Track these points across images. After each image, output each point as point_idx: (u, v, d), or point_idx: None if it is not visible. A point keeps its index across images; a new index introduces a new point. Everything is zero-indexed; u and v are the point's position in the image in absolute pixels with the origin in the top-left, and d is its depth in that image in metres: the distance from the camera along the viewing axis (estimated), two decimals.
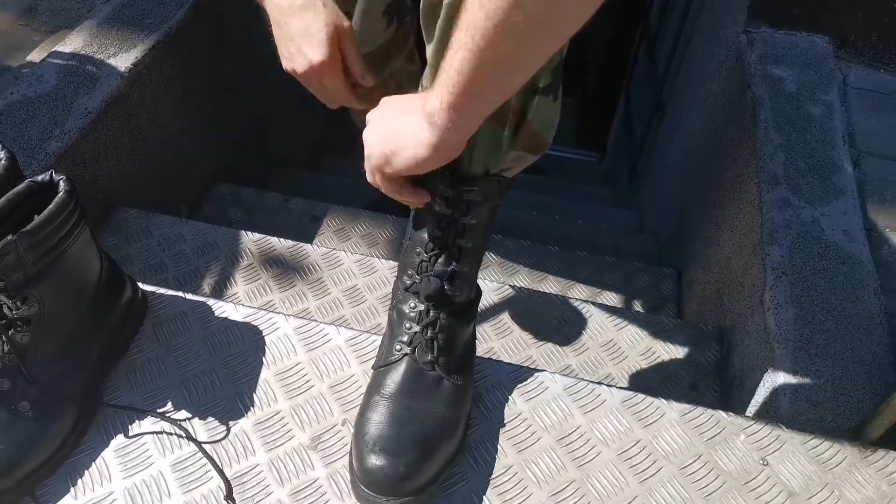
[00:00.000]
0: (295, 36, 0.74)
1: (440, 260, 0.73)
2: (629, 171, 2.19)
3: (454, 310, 0.75)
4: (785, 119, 1.18)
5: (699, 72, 1.65)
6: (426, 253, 0.73)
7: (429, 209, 0.72)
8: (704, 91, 1.55)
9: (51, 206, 0.65)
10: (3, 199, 0.64)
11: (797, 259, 0.98)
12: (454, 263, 0.73)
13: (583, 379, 0.84)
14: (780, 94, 1.23)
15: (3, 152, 0.67)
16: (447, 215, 0.71)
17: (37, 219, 0.64)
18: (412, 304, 0.75)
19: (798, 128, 1.17)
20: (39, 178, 0.67)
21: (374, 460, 0.69)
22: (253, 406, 0.80)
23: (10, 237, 0.62)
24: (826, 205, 1.05)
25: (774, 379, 0.88)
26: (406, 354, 0.74)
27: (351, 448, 0.73)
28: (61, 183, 0.67)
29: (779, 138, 1.15)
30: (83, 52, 1.19)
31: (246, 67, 1.64)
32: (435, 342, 0.74)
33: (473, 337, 0.80)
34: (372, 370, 0.78)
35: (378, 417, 0.72)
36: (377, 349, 0.81)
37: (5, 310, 0.68)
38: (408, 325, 0.75)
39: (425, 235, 0.73)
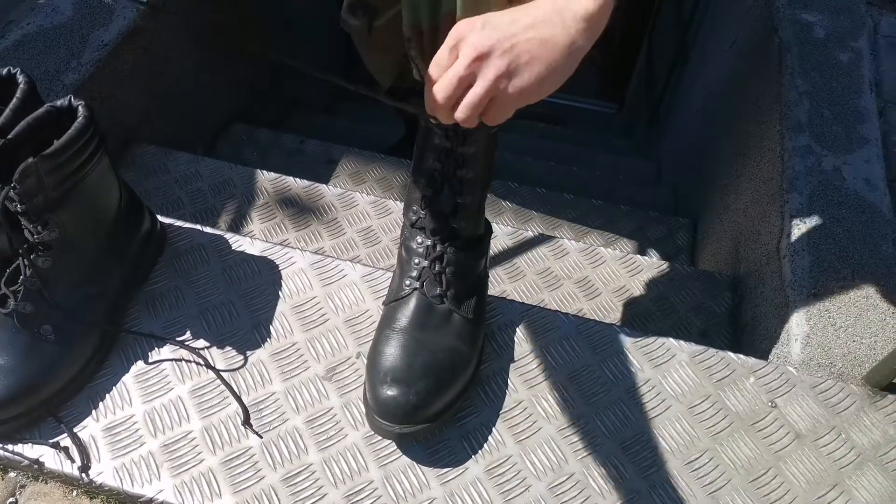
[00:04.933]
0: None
1: (443, 194, 0.73)
2: (648, 119, 2.15)
3: (461, 244, 0.75)
4: (812, 66, 1.15)
5: (726, 15, 1.61)
6: (428, 187, 0.73)
7: (428, 142, 0.71)
8: (730, 36, 1.52)
9: (70, 131, 0.65)
10: (22, 122, 0.65)
11: (816, 207, 0.97)
12: (457, 197, 0.73)
13: (594, 319, 0.85)
14: (808, 39, 1.19)
15: (22, 77, 0.67)
16: (446, 147, 0.71)
17: (56, 143, 0.64)
18: (419, 240, 0.76)
19: (825, 75, 1.14)
20: (58, 102, 0.67)
21: (387, 391, 0.70)
22: (270, 337, 0.81)
23: (30, 160, 0.62)
24: (849, 153, 1.04)
25: (787, 325, 0.88)
26: (415, 289, 0.75)
27: (365, 382, 0.75)
28: (80, 108, 0.67)
29: (804, 85, 1.12)
30: None
31: (264, 5, 1.61)
32: (443, 276, 0.75)
33: (485, 273, 0.81)
34: (383, 306, 0.79)
35: (390, 350, 0.73)
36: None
37: (27, 234, 0.69)
38: (416, 261, 0.75)
39: (427, 170, 0.73)
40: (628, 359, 0.82)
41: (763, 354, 0.91)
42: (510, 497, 0.72)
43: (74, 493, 0.74)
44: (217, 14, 1.40)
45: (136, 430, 0.74)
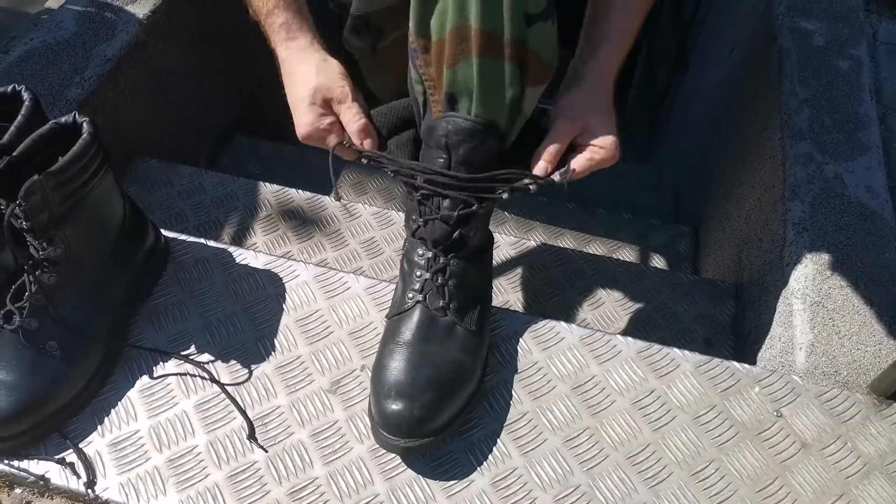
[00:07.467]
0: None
1: (445, 203, 0.72)
2: (649, 124, 2.16)
3: (464, 255, 0.75)
4: (811, 73, 1.15)
5: (725, 22, 1.61)
6: (430, 198, 0.72)
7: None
8: (730, 43, 1.52)
9: (75, 147, 0.65)
10: (27, 140, 0.65)
11: (818, 215, 0.97)
12: (460, 205, 0.71)
13: (598, 330, 0.85)
14: (807, 47, 1.20)
15: (27, 94, 0.67)
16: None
17: (61, 159, 0.65)
18: (421, 252, 0.75)
19: (824, 82, 1.14)
20: (63, 119, 0.68)
21: (391, 405, 0.70)
22: (274, 350, 0.81)
23: (35, 177, 0.63)
24: (850, 161, 1.04)
25: (791, 333, 0.88)
26: (418, 302, 0.74)
27: (369, 396, 0.75)
28: (84, 125, 0.67)
29: (804, 93, 1.13)
30: None
31: None
32: (445, 288, 0.74)
33: (488, 284, 0.81)
34: (386, 319, 0.79)
35: (394, 364, 0.73)
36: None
37: (32, 250, 0.69)
38: (418, 273, 0.75)
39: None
40: (633, 369, 0.81)
41: (767, 363, 0.91)
42: None
43: None
44: (219, 29, 1.41)
45: (142, 445, 0.74)
